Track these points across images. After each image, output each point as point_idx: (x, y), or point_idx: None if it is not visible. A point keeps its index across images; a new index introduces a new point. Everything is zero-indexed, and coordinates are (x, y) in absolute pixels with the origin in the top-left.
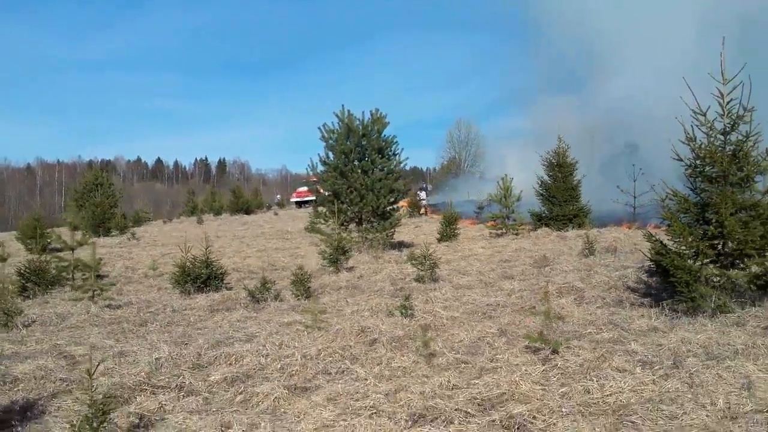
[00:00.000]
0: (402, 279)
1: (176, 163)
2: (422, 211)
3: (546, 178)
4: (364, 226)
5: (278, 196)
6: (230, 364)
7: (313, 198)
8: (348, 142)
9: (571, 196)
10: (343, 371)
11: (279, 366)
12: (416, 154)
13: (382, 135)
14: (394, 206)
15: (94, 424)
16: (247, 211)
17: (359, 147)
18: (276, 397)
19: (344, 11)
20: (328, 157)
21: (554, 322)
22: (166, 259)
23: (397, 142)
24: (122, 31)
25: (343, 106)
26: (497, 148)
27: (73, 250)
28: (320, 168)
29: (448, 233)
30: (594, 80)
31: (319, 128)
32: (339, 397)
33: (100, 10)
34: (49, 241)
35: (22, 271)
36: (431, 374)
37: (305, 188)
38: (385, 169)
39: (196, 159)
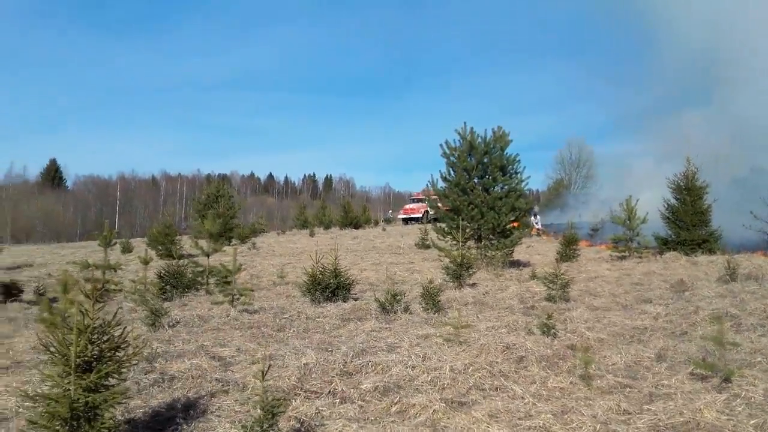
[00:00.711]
0: (531, 297)
1: (286, 179)
2: (533, 231)
3: (673, 200)
4: (483, 243)
5: (390, 212)
6: (377, 373)
7: (419, 216)
8: (470, 159)
9: (700, 221)
10: (497, 388)
11: (429, 378)
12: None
13: (505, 153)
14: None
15: (265, 426)
16: (356, 226)
17: (481, 164)
18: (434, 410)
19: (449, 37)
20: (449, 174)
21: (727, 348)
22: (287, 269)
23: (519, 160)
24: (238, 51)
25: (464, 123)
26: (609, 170)
27: (208, 255)
28: (440, 185)
29: (568, 254)
30: (719, 99)
31: (440, 145)
32: (500, 414)
33: (222, 31)
34: (180, 247)
35: (161, 275)
36: (594, 397)
37: (412, 206)
38: (507, 187)
39: (304, 175)
